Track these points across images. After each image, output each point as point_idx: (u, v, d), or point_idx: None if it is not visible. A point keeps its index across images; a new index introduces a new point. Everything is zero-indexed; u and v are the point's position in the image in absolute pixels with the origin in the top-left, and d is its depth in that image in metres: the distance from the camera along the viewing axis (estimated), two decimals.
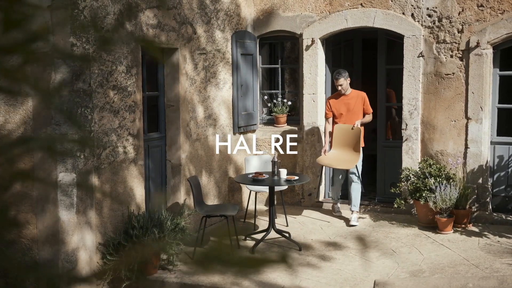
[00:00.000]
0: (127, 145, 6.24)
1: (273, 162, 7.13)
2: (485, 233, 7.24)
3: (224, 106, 8.26)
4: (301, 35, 8.63)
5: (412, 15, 7.93)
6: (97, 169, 5.84)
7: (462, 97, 7.69)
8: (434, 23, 7.81)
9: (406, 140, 8.04)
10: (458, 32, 7.68)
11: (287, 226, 7.78)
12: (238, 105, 8.47)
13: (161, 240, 5.98)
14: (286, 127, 9.01)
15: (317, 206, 8.51)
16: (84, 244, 5.68)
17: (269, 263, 1.39)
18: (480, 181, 7.66)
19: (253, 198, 8.20)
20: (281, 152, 8.70)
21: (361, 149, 7.62)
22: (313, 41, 8.52)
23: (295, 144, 8.76)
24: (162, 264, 6.24)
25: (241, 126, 8.56)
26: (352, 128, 7.66)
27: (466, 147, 7.70)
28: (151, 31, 6.57)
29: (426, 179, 7.39)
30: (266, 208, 8.46)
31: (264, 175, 7.09)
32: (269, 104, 9.25)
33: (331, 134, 7.89)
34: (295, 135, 8.77)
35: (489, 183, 7.69)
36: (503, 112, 7.92)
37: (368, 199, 8.87)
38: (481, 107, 7.58)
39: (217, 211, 6.84)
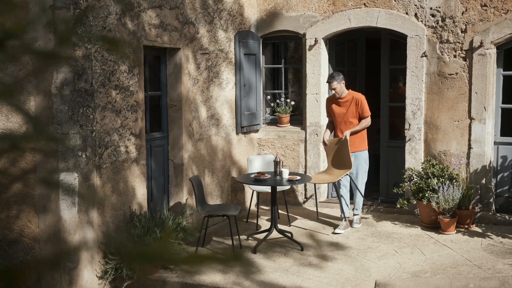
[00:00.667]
0: (129, 145, 6.25)
1: (275, 162, 7.12)
2: (488, 233, 7.21)
3: (227, 106, 8.26)
4: (304, 35, 8.63)
5: (416, 15, 7.91)
6: (99, 169, 5.85)
7: (466, 97, 7.67)
8: (437, 23, 7.78)
9: (409, 140, 8.02)
10: (462, 32, 7.65)
11: (289, 226, 7.78)
12: (241, 105, 8.47)
13: (162, 240, 5.98)
14: (289, 127, 9.01)
15: (320, 206, 8.49)
16: (85, 243, 5.69)
17: (212, 261, 1.38)
18: (484, 181, 7.63)
19: (256, 198, 8.20)
20: (284, 152, 8.70)
21: (352, 161, 7.31)
22: (316, 41, 8.51)
23: (298, 144, 8.76)
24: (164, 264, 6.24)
25: (244, 126, 8.56)
26: (340, 140, 7.38)
27: (470, 147, 7.67)
28: (153, 31, 6.58)
29: (429, 179, 7.37)
30: (269, 208, 8.45)
31: (266, 175, 7.08)
32: (272, 104, 9.24)
33: (330, 127, 7.70)
34: (298, 135, 8.77)
35: (492, 184, 7.66)
36: (507, 112, 7.88)
37: (371, 199, 8.86)
38: (484, 107, 7.55)
39: (219, 211, 6.84)
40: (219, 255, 1.42)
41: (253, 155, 8.77)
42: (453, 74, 7.73)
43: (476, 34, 7.55)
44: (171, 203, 7.25)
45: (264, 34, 8.94)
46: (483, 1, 7.50)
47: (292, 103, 9.06)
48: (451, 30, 7.70)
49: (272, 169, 7.43)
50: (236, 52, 8.36)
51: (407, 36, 7.95)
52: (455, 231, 7.26)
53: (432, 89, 7.88)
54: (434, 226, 7.40)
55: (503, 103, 7.74)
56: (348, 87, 9.19)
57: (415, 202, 7.74)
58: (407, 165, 7.96)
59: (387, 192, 8.52)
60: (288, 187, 8.11)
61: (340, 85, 7.40)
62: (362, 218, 7.92)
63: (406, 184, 7.75)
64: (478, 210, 7.63)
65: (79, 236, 5.61)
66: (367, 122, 7.47)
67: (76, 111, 5.52)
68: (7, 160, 5.59)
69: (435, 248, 6.76)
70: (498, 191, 7.74)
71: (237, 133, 8.49)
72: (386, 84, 8.57)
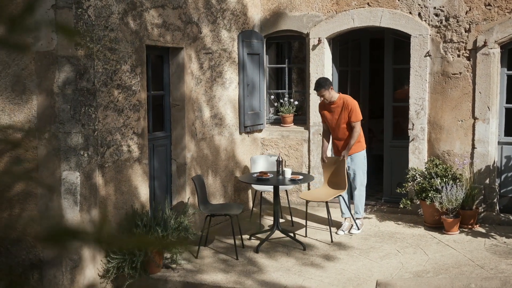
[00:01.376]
0: (131, 144, 6.26)
1: (278, 162, 7.12)
2: (492, 234, 7.18)
3: (230, 106, 8.27)
4: (307, 34, 8.62)
5: (419, 14, 7.89)
6: (101, 168, 5.87)
7: (469, 96, 7.64)
8: (441, 23, 7.76)
9: (412, 140, 8.00)
10: (465, 31, 7.62)
11: (292, 226, 7.77)
12: (244, 105, 8.47)
13: (164, 239, 5.99)
14: (293, 126, 9.00)
15: (323, 206, 8.46)
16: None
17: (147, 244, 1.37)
18: (487, 181, 7.59)
19: (259, 198, 8.20)
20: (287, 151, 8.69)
21: (346, 182, 7.15)
22: (319, 41, 8.50)
23: (302, 144, 8.76)
24: (166, 263, 6.25)
25: (248, 126, 8.56)
26: (338, 159, 7.25)
27: (473, 147, 7.64)
28: (156, 30, 6.59)
29: (432, 179, 7.34)
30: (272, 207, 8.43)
31: (268, 174, 7.08)
32: (275, 104, 9.24)
33: (327, 138, 7.54)
34: (302, 135, 8.77)
35: (496, 184, 7.63)
36: (511, 112, 7.84)
37: (374, 199, 8.85)
38: (488, 107, 7.52)
39: (222, 211, 6.85)
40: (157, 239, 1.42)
41: (256, 154, 8.77)
42: (456, 74, 7.71)
43: (480, 34, 7.52)
44: (174, 203, 7.26)
45: (268, 34, 8.94)
46: (487, 1, 7.47)
47: (296, 103, 9.06)
48: (455, 30, 7.68)
49: (275, 169, 7.42)
50: (240, 52, 8.37)
51: (410, 35, 7.93)
52: (459, 231, 7.24)
53: (435, 89, 7.86)
54: (438, 226, 7.38)
55: (507, 102, 7.70)
56: (351, 87, 9.22)
57: (418, 202, 7.71)
58: (410, 165, 7.94)
59: (391, 192, 8.50)
60: (291, 186, 8.11)
61: (328, 91, 7.15)
62: (365, 218, 7.87)
63: (409, 184, 7.73)
64: (482, 210, 7.60)
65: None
66: (357, 132, 7.17)
67: (78, 110, 5.54)
68: (10, 159, 5.61)
69: (438, 248, 6.73)
70: (502, 191, 7.70)
71: (240, 133, 8.50)
72: (390, 84, 8.55)
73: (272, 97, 9.25)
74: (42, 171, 5.53)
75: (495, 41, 7.43)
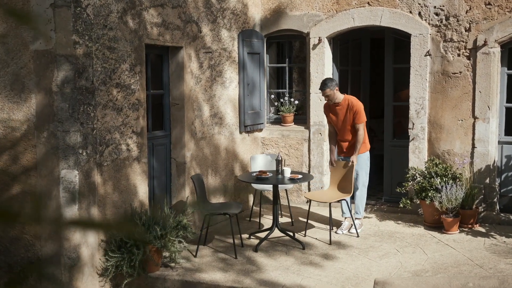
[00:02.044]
0: (130, 143, 6.27)
1: (277, 161, 7.12)
2: (492, 233, 7.17)
3: (231, 105, 8.27)
4: (308, 34, 8.62)
5: (419, 13, 7.88)
6: (100, 166, 5.88)
7: (469, 96, 7.63)
8: (441, 22, 7.75)
9: (413, 139, 7.99)
10: (466, 30, 7.61)
11: (292, 225, 7.77)
12: (244, 104, 8.47)
13: (163, 238, 6.00)
14: (293, 126, 9.00)
15: (324, 206, 8.47)
16: (86, 240, 5.72)
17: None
18: (487, 181, 7.58)
19: (259, 197, 8.20)
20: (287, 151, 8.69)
21: (352, 187, 7.13)
22: (320, 40, 8.50)
23: (302, 143, 8.75)
24: (165, 262, 6.26)
25: (248, 125, 8.56)
26: (347, 164, 7.22)
27: (473, 146, 7.63)
28: (155, 30, 6.60)
29: (432, 179, 7.33)
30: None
31: (268, 173, 7.08)
32: (276, 103, 9.24)
33: (334, 140, 7.53)
34: (302, 134, 8.77)
35: (496, 183, 7.61)
36: (511, 111, 7.82)
37: (375, 199, 8.85)
38: (488, 106, 7.51)
39: (220, 210, 6.85)
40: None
41: (256, 154, 8.77)
42: (457, 73, 7.69)
43: (480, 33, 7.51)
44: (173, 202, 7.26)
45: (268, 33, 8.94)
46: (487, 0, 7.46)
47: (296, 102, 9.06)
48: (455, 29, 7.66)
49: (275, 168, 7.42)
50: (240, 51, 8.37)
51: (411, 35, 7.92)
52: (458, 231, 7.23)
53: (436, 88, 7.85)
54: (437, 226, 7.37)
55: (507, 102, 7.69)
56: (352, 87, 9.21)
57: (418, 202, 7.70)
58: (410, 165, 7.93)
59: (391, 192, 8.49)
60: (290, 186, 8.10)
61: (333, 92, 7.15)
62: (365, 217, 7.86)
63: (409, 183, 7.72)
64: (482, 209, 7.59)
65: (80, 233, 5.63)
66: (361, 135, 7.16)
67: (76, 109, 5.55)
68: (9, 157, 5.63)
69: (437, 247, 6.72)
70: (502, 190, 7.68)
71: (240, 132, 8.50)
72: (390, 84, 8.54)
73: (273, 96, 9.25)
74: (40, 169, 5.54)
75: (495, 40, 7.42)
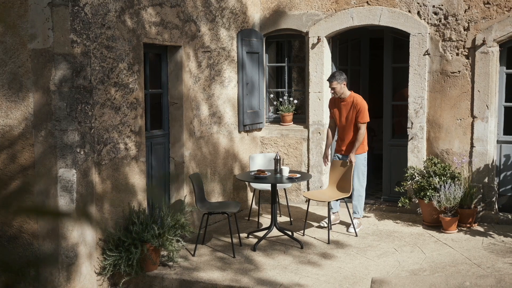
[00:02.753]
0: (128, 142, 6.27)
1: (276, 160, 7.12)
2: (490, 232, 7.16)
3: (229, 104, 8.27)
4: (307, 33, 8.62)
5: (418, 13, 7.88)
6: (98, 165, 5.88)
7: (468, 95, 7.62)
8: (440, 21, 7.75)
9: (411, 138, 7.99)
10: (464, 30, 7.61)
11: (291, 224, 7.77)
12: (243, 103, 8.47)
13: (161, 236, 6.00)
14: (292, 125, 9.00)
15: (323, 205, 8.46)
16: (84, 239, 5.72)
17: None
18: (486, 180, 7.57)
19: (257, 196, 8.20)
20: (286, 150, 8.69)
21: (351, 187, 7.13)
22: (319, 39, 8.50)
23: (301, 142, 8.75)
24: (163, 261, 6.26)
25: (247, 125, 8.56)
26: (346, 164, 7.22)
27: (472, 146, 7.63)
28: (153, 29, 6.60)
29: (431, 178, 7.33)
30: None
31: (266, 172, 7.08)
32: (275, 103, 9.24)
33: (331, 136, 7.56)
34: (301, 134, 8.77)
35: (495, 183, 7.61)
36: (510, 110, 7.82)
37: (374, 198, 8.85)
38: (487, 106, 7.50)
39: (219, 208, 6.85)
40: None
41: (255, 153, 8.77)
42: (455, 72, 7.69)
43: (479, 32, 7.50)
44: (172, 201, 7.26)
45: (268, 33, 8.94)
46: None
47: (295, 101, 9.06)
48: (454, 28, 7.66)
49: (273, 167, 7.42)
50: (239, 51, 8.37)
51: (409, 34, 7.92)
52: (457, 230, 7.22)
53: (434, 88, 7.84)
54: (436, 225, 7.37)
55: (506, 101, 7.68)
56: (352, 86, 9.20)
57: (417, 201, 7.70)
58: (409, 164, 7.93)
59: (390, 191, 8.49)
60: (289, 185, 8.10)
61: (340, 85, 7.18)
62: (364, 217, 7.86)
63: (408, 183, 7.71)
64: (481, 209, 7.58)
65: (78, 232, 5.64)
66: (362, 134, 7.18)
67: (74, 108, 5.55)
68: (7, 156, 5.63)
69: (436, 246, 6.72)
70: (501, 190, 7.68)
71: (239, 132, 8.50)
72: (389, 83, 8.54)
73: (272, 95, 9.25)
74: (38, 168, 5.54)
75: (494, 40, 7.41)
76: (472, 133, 7.61)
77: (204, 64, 7.64)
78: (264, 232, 7.06)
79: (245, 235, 7.25)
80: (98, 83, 5.83)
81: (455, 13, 7.64)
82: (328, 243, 6.92)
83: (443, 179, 7.26)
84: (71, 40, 5.48)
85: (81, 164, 5.64)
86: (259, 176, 6.98)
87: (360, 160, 7.32)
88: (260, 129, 9.02)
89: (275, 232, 7.09)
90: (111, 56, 5.99)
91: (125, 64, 6.19)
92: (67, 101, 5.50)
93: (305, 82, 8.98)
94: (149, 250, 5.92)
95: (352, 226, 7.32)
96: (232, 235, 6.67)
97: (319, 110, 8.60)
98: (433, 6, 7.77)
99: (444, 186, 7.14)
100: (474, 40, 7.53)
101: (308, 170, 8.69)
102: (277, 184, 7.22)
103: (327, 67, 8.63)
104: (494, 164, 7.60)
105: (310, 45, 8.59)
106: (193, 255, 6.54)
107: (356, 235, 7.19)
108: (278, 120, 9.17)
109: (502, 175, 7.68)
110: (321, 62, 8.56)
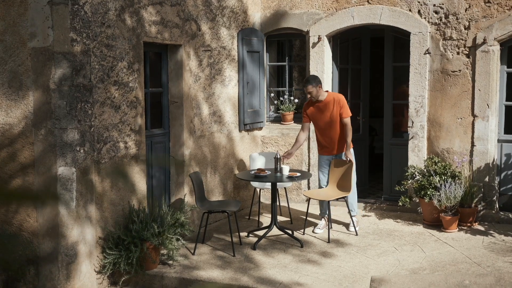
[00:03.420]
0: (128, 141, 6.27)
1: (276, 159, 7.12)
2: (491, 231, 7.15)
3: (230, 103, 8.27)
4: (307, 32, 8.61)
5: (419, 11, 7.87)
6: (98, 164, 5.88)
7: (469, 94, 7.61)
8: (440, 20, 7.74)
9: (412, 138, 7.98)
10: (465, 28, 7.60)
11: (291, 223, 7.77)
12: (244, 103, 8.47)
13: (160, 235, 6.00)
14: (293, 124, 9.00)
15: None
16: (84, 238, 5.72)
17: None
18: (487, 179, 7.56)
19: (258, 195, 8.19)
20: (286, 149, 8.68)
21: (351, 186, 7.10)
22: (319, 38, 8.49)
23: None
24: (162, 259, 6.26)
25: (247, 124, 8.56)
26: (346, 162, 7.16)
27: (473, 145, 7.61)
28: (153, 28, 6.60)
29: (431, 177, 7.32)
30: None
31: (266, 171, 7.08)
32: (276, 102, 9.24)
33: (302, 139, 7.46)
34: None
35: (496, 182, 7.59)
36: (511, 109, 7.80)
37: (375, 197, 8.85)
38: (487, 105, 7.49)
39: (219, 207, 6.85)
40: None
41: (256, 152, 8.77)
42: (456, 71, 7.68)
43: (480, 31, 7.49)
44: (172, 200, 7.27)
45: (268, 32, 8.94)
46: None
47: (296, 100, 9.05)
48: (455, 27, 7.65)
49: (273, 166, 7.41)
50: (239, 50, 8.37)
51: (410, 33, 7.91)
52: (457, 229, 7.21)
53: (435, 87, 7.84)
54: (436, 224, 7.36)
55: (506, 100, 7.67)
56: (352, 85, 9.20)
57: (417, 200, 7.69)
58: (410, 163, 7.92)
59: (390, 190, 8.47)
60: (289, 184, 8.10)
61: (315, 89, 7.09)
62: (364, 216, 7.85)
63: (408, 182, 7.71)
64: (481, 208, 7.57)
65: (77, 230, 5.64)
66: (350, 129, 7.12)
67: (74, 106, 5.56)
68: (6, 155, 5.64)
69: (436, 246, 6.71)
70: (502, 189, 7.67)
71: (240, 131, 8.50)
72: (390, 82, 8.53)
73: (272, 95, 9.24)
74: (38, 167, 5.55)
75: (495, 38, 7.40)
76: (473, 132, 7.60)
77: (204, 63, 7.64)
78: (264, 231, 7.06)
79: (245, 234, 7.25)
80: (98, 81, 5.84)
81: (455, 12, 7.63)
82: (328, 242, 6.91)
83: (443, 178, 7.25)
84: (71, 38, 5.48)
85: (81, 163, 5.64)
86: (259, 175, 6.98)
87: (351, 156, 7.29)
88: (260, 128, 9.02)
89: (275, 231, 7.09)
90: (111, 55, 5.99)
91: (125, 63, 6.19)
92: (67, 100, 5.50)
93: None
94: (149, 248, 5.92)
95: (352, 224, 7.30)
96: (232, 234, 6.68)
97: None
98: (434, 5, 7.76)
99: (445, 185, 7.13)
100: (474, 39, 7.52)
101: (308, 169, 8.69)
102: (277, 183, 7.21)
103: (328, 66, 8.63)
104: (494, 163, 7.59)
105: (310, 44, 8.59)
106: (193, 254, 6.55)
107: (357, 234, 7.19)
108: (278, 119, 9.16)
109: (502, 174, 7.67)
110: (321, 61, 8.55)
